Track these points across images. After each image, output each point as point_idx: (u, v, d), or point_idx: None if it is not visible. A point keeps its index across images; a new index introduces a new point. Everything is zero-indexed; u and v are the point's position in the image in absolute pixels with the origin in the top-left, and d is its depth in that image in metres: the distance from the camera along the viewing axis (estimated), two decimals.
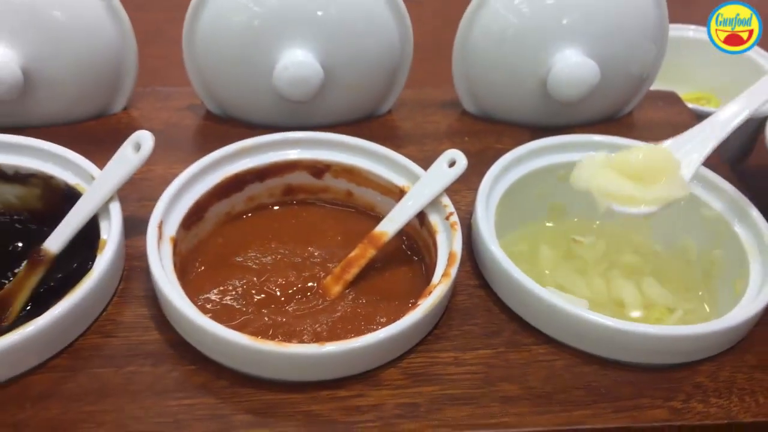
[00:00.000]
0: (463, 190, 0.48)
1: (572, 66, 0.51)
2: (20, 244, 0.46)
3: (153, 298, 0.41)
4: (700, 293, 0.47)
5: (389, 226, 0.45)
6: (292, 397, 0.37)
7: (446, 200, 0.45)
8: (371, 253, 0.44)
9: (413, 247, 0.47)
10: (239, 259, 0.45)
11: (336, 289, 0.43)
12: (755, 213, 0.46)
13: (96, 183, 0.43)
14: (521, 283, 0.40)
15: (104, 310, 0.40)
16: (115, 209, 0.42)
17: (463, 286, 0.43)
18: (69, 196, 0.45)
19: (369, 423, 0.36)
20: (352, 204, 0.49)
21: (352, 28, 0.51)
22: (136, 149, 0.43)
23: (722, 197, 0.48)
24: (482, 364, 0.39)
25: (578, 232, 0.51)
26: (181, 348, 0.39)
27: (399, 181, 0.47)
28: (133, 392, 0.37)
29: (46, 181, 0.46)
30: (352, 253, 0.44)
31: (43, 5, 0.48)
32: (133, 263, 0.43)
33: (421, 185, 0.45)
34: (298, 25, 0.50)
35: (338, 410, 0.37)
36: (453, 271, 0.40)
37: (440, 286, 0.40)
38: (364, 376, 0.38)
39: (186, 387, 0.37)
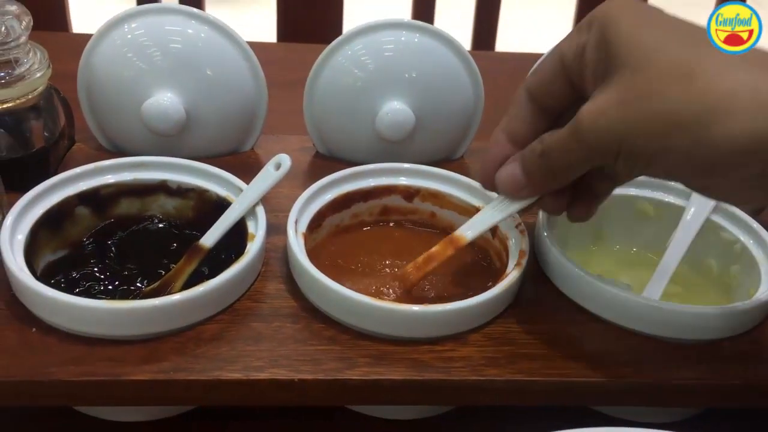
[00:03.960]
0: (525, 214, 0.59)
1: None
2: (174, 245, 0.58)
3: (288, 277, 0.52)
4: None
5: (468, 232, 0.53)
6: (400, 348, 0.48)
7: (515, 215, 0.56)
8: (450, 251, 0.52)
9: (484, 256, 0.58)
10: (346, 260, 0.57)
11: (416, 275, 0.52)
12: (763, 233, 0.57)
13: (245, 192, 0.55)
14: (576, 272, 0.51)
15: (252, 284, 0.52)
16: (261, 211, 0.54)
17: (529, 281, 0.54)
18: (219, 205, 0.56)
19: (461, 368, 0.47)
20: (435, 225, 0.61)
21: (435, 85, 0.64)
22: (276, 168, 0.56)
23: (737, 223, 0.59)
24: (547, 333, 0.50)
25: (618, 257, 0.62)
26: (312, 312, 0.50)
27: (475, 202, 0.59)
28: (280, 339, 0.48)
29: (200, 194, 0.58)
30: (433, 249, 0.52)
31: (201, 64, 0.62)
32: (270, 254, 0.55)
33: (496, 203, 0.56)
34: (393, 84, 0.64)
35: (436, 359, 0.47)
36: (524, 261, 0.51)
37: (514, 271, 0.51)
38: (455, 337, 0.49)
39: (319, 338, 0.48)
